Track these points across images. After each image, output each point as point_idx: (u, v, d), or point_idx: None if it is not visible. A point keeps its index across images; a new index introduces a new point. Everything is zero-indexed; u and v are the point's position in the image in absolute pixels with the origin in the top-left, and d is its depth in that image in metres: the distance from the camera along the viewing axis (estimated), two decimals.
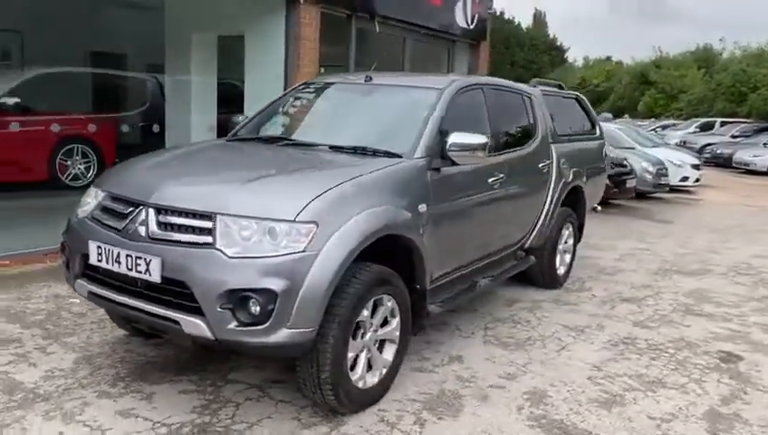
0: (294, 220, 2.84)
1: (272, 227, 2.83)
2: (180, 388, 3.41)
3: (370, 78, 4.45)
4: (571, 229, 5.93)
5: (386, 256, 3.39)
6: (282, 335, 2.77)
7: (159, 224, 2.97)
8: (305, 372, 3.04)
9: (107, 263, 3.05)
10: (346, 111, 4.35)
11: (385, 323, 3.39)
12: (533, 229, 5.27)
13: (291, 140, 4.11)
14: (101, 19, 10.51)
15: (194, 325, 2.81)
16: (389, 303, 3.33)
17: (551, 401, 3.59)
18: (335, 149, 3.83)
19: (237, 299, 2.74)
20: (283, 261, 2.77)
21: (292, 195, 2.97)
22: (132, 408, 3.16)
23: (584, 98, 6.69)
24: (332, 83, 4.65)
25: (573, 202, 5.97)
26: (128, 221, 3.05)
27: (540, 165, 5.14)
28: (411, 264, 3.53)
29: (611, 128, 13.19)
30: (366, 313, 3.15)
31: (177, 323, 2.86)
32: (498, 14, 40.51)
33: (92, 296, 3.22)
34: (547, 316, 5.06)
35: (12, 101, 7.12)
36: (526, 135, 5.09)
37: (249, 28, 7.91)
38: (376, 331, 3.31)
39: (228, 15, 8.03)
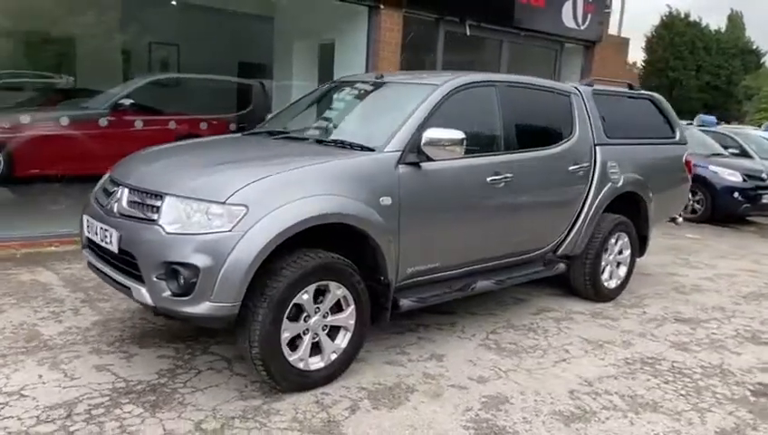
0: (225, 202, 3.07)
1: (206, 207, 3.09)
2: (161, 353, 3.78)
3: (382, 76, 4.57)
4: (625, 240, 5.49)
5: (350, 246, 3.53)
6: (205, 307, 3.01)
7: (129, 202, 3.38)
8: (241, 347, 3.27)
9: (91, 234, 3.54)
10: (348, 108, 4.50)
11: (340, 310, 3.51)
12: (567, 235, 4.99)
13: (287, 133, 4.36)
14: (241, 32, 11.59)
15: (138, 292, 3.16)
16: (339, 291, 3.42)
17: (507, 407, 3.44)
18: (319, 142, 4.01)
19: (169, 271, 3.04)
20: (209, 239, 3.02)
21: (230, 180, 3.21)
22: (110, 364, 3.59)
23: (661, 99, 6.13)
24: (348, 82, 4.82)
25: (632, 211, 5.54)
26: (109, 199, 3.50)
27: (571, 167, 4.84)
28: (374, 256, 3.61)
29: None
30: (306, 296, 3.29)
31: (128, 289, 3.24)
32: (683, 15, 37.55)
33: (89, 265, 3.72)
34: (571, 328, 4.77)
35: (128, 101, 8.16)
36: (555, 135, 4.84)
37: (338, 35, 8.34)
38: (325, 316, 3.43)
39: (323, 24, 8.52)
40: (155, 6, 11.21)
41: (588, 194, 5.04)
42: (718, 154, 11.02)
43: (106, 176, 3.90)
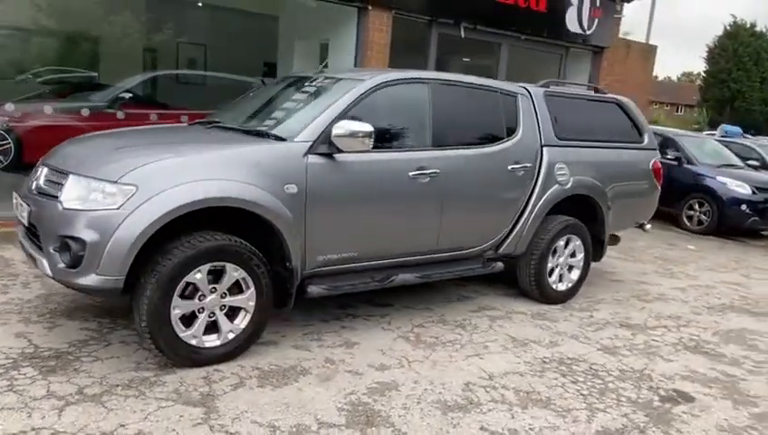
0: (116, 181, 3.27)
1: (102, 186, 3.29)
2: (84, 326, 4.00)
3: (322, 72, 4.71)
4: (577, 243, 5.43)
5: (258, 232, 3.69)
6: (92, 279, 3.21)
7: (44, 180, 3.62)
8: (134, 321, 3.46)
9: (17, 211, 3.80)
10: (283, 101, 4.61)
11: (241, 291, 3.65)
12: (509, 234, 5.00)
13: (220, 123, 4.52)
14: (262, 33, 11.95)
15: (41, 263, 3.40)
16: (236, 273, 3.56)
17: (393, 394, 3.51)
18: (243, 131, 4.17)
19: (62, 244, 3.26)
20: (98, 216, 3.22)
21: (126, 162, 3.40)
22: (31, 332, 3.83)
23: (629, 103, 6.03)
24: (295, 76, 4.96)
25: (587, 214, 5.49)
26: (31, 178, 3.76)
27: (510, 166, 4.85)
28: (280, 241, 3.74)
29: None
30: (200, 276, 3.44)
31: (35, 260, 3.48)
32: (748, 25, 36.27)
33: (19, 241, 3.99)
34: (504, 326, 4.77)
35: (127, 95, 8.50)
36: (493, 134, 4.86)
37: (332, 35, 8.52)
38: (223, 296, 3.58)
39: (320, 24, 8.72)
40: (182, 8, 11.72)
41: (531, 194, 5.03)
42: (731, 165, 10.66)
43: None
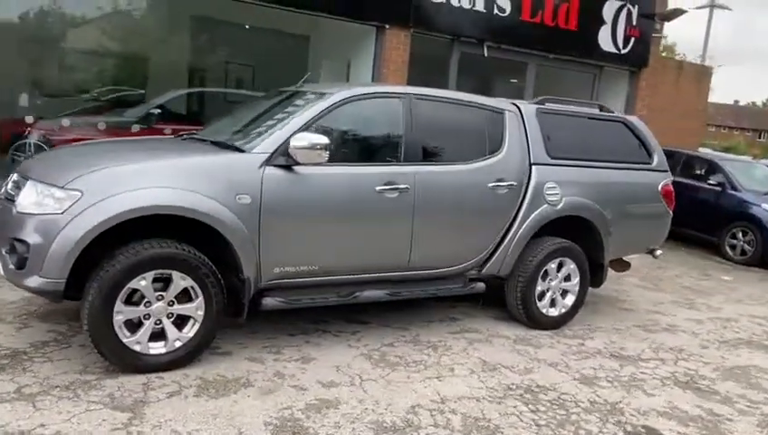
0: (63, 187, 3.37)
1: (50, 191, 3.40)
2: (53, 328, 4.13)
3: (302, 86, 4.73)
4: (572, 266, 5.17)
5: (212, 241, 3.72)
6: (35, 281, 3.32)
7: (12, 186, 3.77)
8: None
9: None
10: (260, 114, 4.62)
11: (190, 300, 3.67)
12: (491, 254, 4.83)
13: (194, 135, 4.60)
14: (297, 53, 12.25)
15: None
16: (183, 281, 3.59)
17: (330, 412, 3.41)
18: (212, 142, 4.22)
19: (11, 246, 3.38)
20: (43, 219, 3.33)
21: (76, 168, 3.49)
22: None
23: (638, 122, 5.75)
24: (279, 91, 4.98)
25: (584, 237, 5.24)
26: (4, 183, 3.93)
27: (491, 184, 4.68)
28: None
29: None
30: (144, 283, 3.48)
31: None
32: None
33: None
34: (479, 350, 4.57)
35: (157, 111, 8.83)
36: (475, 150, 4.72)
37: (353, 53, 8.60)
38: (171, 304, 3.61)
39: (346, 42, 8.82)
40: (228, 30, 12.18)
41: (517, 213, 4.85)
42: None
43: None
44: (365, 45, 8.26)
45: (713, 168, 10.16)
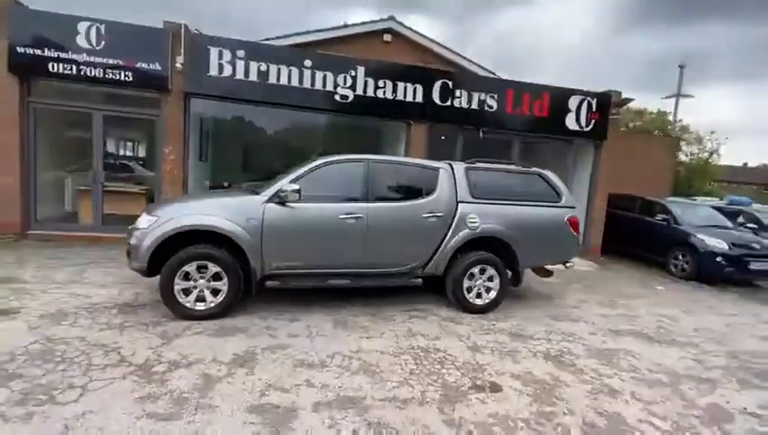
0: (150, 214, 3.81)
1: (146, 217, 3.84)
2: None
3: (315, 157, 4.85)
4: (492, 271, 4.68)
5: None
6: (135, 265, 3.74)
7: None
8: None
9: None
10: (283, 173, 4.73)
11: (220, 279, 3.88)
12: (429, 260, 4.54)
13: (241, 187, 4.86)
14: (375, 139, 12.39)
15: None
16: (214, 268, 3.81)
17: (277, 351, 3.39)
18: (247, 190, 4.40)
19: (128, 245, 3.85)
20: (139, 231, 3.78)
21: (162, 204, 3.93)
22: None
23: (548, 174, 5.10)
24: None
25: (503, 252, 4.74)
26: None
27: (424, 215, 4.43)
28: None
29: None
30: (192, 268, 3.76)
31: None
32: None
33: None
34: (413, 323, 4.25)
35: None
36: (414, 193, 4.49)
37: (395, 137, 8.59)
38: (209, 281, 3.84)
39: (395, 132, 8.82)
40: (333, 132, 12.60)
41: (446, 234, 4.54)
42: (717, 226, 8.14)
43: None
44: (400, 132, 8.27)
45: (661, 207, 8.61)
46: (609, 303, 5.73)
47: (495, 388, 3.11)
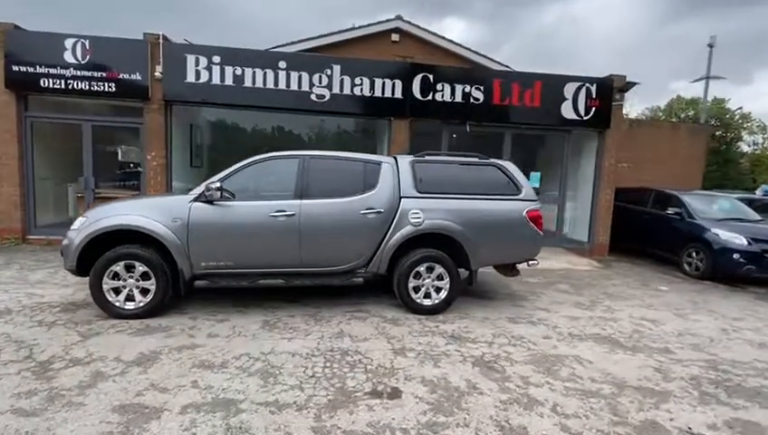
0: (81, 216, 3.90)
1: (79, 219, 3.94)
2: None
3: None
4: (441, 270, 4.39)
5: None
6: (67, 266, 3.84)
7: None
8: None
9: None
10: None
11: (149, 278, 3.90)
12: (371, 258, 4.33)
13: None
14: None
15: None
16: (141, 267, 3.85)
17: (184, 351, 3.33)
18: (186, 191, 4.41)
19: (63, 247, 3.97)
20: (71, 231, 3.87)
21: (95, 207, 4.01)
22: None
23: (507, 165, 4.71)
24: None
25: (453, 249, 4.44)
26: None
27: (362, 211, 4.23)
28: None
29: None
30: (119, 267, 3.82)
31: None
32: None
33: None
34: (349, 325, 4.06)
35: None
36: (353, 189, 4.29)
37: (379, 134, 8.44)
38: (137, 281, 3.88)
39: (378, 129, 8.66)
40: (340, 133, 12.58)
41: (388, 230, 4.31)
42: (738, 219, 7.24)
43: None
44: (382, 130, 8.09)
45: (675, 200, 7.80)
46: (588, 305, 5.22)
47: (395, 394, 2.87)
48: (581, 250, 8.41)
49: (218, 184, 3.87)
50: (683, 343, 4.11)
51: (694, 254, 7.08)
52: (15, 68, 6.72)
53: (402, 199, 4.37)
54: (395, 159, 4.57)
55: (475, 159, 4.74)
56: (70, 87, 6.80)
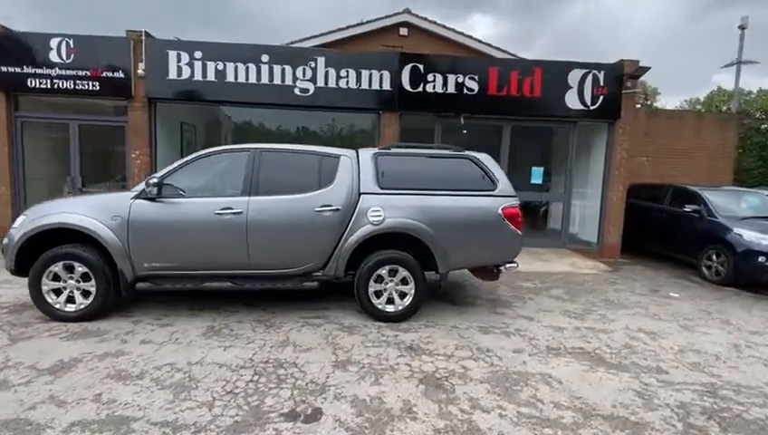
0: (22, 214, 3.75)
1: (19, 217, 3.79)
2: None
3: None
4: (405, 273, 4.00)
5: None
6: (5, 265, 3.70)
7: None
8: None
9: None
10: None
11: (90, 280, 3.70)
12: (327, 261, 3.98)
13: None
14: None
15: None
16: (81, 268, 3.66)
17: (111, 359, 3.11)
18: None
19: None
20: (11, 230, 3.72)
21: (36, 205, 3.86)
22: None
23: (482, 158, 4.25)
24: None
25: (418, 251, 4.04)
26: None
27: (317, 209, 3.89)
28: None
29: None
30: (58, 268, 3.65)
31: None
32: None
33: None
34: (300, 332, 3.75)
35: None
36: (307, 185, 3.94)
37: (369, 128, 8.07)
38: (78, 282, 3.70)
39: (371, 125, 8.31)
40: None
41: (345, 230, 3.96)
42: (765, 217, 6.41)
43: None
44: (372, 123, 7.72)
45: (694, 196, 7.04)
46: (580, 313, 4.67)
47: (313, 417, 2.51)
48: (589, 251, 7.75)
49: (156, 180, 3.64)
50: (681, 361, 3.54)
51: (714, 256, 6.33)
52: (4, 69, 6.79)
53: (362, 196, 4.01)
54: (356, 152, 4.21)
55: (447, 152, 4.32)
56: (56, 86, 6.81)
